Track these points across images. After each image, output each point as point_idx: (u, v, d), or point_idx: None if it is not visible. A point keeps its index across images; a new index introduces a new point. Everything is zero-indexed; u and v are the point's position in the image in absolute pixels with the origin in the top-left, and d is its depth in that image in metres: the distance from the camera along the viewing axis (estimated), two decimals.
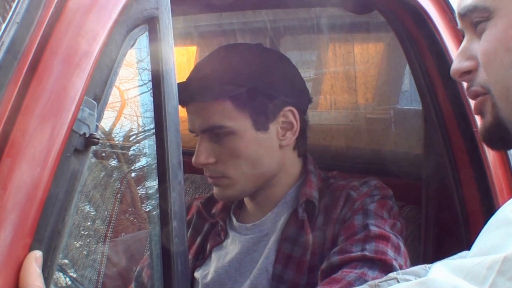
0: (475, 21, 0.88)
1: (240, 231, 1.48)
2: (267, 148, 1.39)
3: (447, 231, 1.57)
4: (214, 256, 1.48)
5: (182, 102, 1.38)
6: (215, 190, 1.45)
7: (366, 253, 1.26)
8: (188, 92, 1.36)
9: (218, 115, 1.36)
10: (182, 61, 2.33)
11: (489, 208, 1.47)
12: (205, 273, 1.46)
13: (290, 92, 1.42)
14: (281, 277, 1.36)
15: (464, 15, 0.89)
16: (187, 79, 1.46)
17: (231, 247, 1.47)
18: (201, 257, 1.51)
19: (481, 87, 0.87)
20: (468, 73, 0.88)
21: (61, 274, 1.15)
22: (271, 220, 1.44)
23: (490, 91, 0.86)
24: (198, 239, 1.54)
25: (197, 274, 1.48)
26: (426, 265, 0.97)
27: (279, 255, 1.38)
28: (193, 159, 1.40)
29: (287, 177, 1.45)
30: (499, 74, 0.84)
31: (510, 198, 0.77)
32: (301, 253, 1.36)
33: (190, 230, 1.56)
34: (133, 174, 1.85)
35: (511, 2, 0.83)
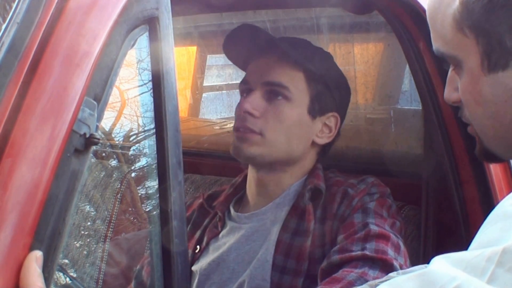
0: (450, 63, 0.92)
1: (238, 221, 1.48)
2: (303, 133, 1.45)
3: (447, 231, 1.56)
4: (211, 247, 1.49)
5: (260, 53, 1.48)
6: (236, 144, 1.44)
7: (367, 252, 1.26)
8: (279, 41, 1.47)
9: (288, 77, 1.43)
10: (182, 61, 2.33)
11: (489, 208, 1.45)
12: (203, 265, 1.46)
13: (344, 102, 1.53)
14: (284, 268, 1.37)
15: (439, 55, 0.93)
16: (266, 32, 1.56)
17: (229, 237, 1.47)
18: (198, 250, 1.51)
19: (466, 119, 0.93)
20: (458, 101, 0.93)
21: (61, 274, 1.15)
22: (272, 211, 1.45)
23: (473, 127, 0.93)
24: (197, 233, 1.54)
25: (195, 267, 1.48)
26: (426, 265, 0.97)
27: (279, 246, 1.39)
28: (239, 104, 1.45)
29: (299, 170, 1.48)
30: (475, 121, 0.91)
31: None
32: (302, 241, 1.36)
33: (189, 225, 1.57)
34: (133, 174, 1.85)
35: (469, 55, 0.86)
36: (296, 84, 1.44)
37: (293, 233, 1.39)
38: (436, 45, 0.91)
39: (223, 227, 1.51)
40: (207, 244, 1.50)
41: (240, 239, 1.45)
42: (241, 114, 1.43)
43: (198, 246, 1.52)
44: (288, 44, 1.52)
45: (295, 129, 1.43)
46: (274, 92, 1.43)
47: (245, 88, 1.48)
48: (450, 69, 0.94)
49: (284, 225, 1.41)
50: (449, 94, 0.94)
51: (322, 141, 1.48)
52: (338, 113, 1.50)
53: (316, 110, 1.45)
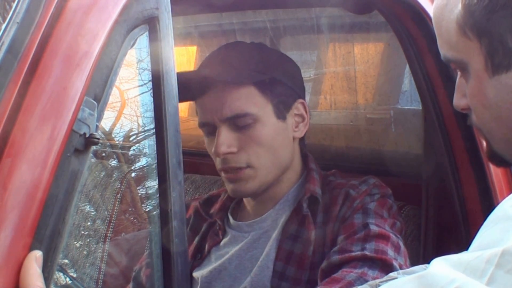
0: (457, 69, 0.93)
1: (239, 230, 1.48)
2: (284, 138, 1.41)
3: (447, 231, 1.57)
4: (213, 255, 1.48)
5: (200, 90, 1.38)
6: (232, 186, 1.41)
7: (366, 252, 1.26)
8: (212, 73, 1.37)
9: (243, 101, 1.36)
10: (182, 61, 2.33)
11: (489, 208, 1.46)
12: (204, 272, 1.46)
13: (300, 85, 1.48)
14: (283, 274, 1.36)
15: (446, 61, 0.94)
16: (202, 67, 1.44)
17: (231, 245, 1.46)
18: (199, 257, 1.51)
19: (475, 125, 0.94)
20: (467, 107, 0.94)
21: (61, 274, 1.15)
22: (272, 218, 1.44)
23: (481, 132, 0.94)
24: (196, 239, 1.53)
25: (196, 274, 1.48)
26: (426, 265, 0.97)
27: (280, 252, 1.38)
28: (214, 149, 1.37)
29: (292, 174, 1.46)
30: (483, 125, 0.92)
31: None
32: (303, 249, 1.36)
33: (187, 229, 1.56)
34: (133, 174, 1.85)
35: (473, 59, 0.86)
36: (255, 103, 1.37)
37: (294, 239, 1.38)
38: (443, 51, 0.92)
39: (223, 235, 1.50)
40: (209, 252, 1.49)
41: (242, 247, 1.44)
42: (220, 157, 1.38)
43: (199, 254, 1.51)
44: (219, 63, 1.42)
45: (275, 142, 1.39)
46: (239, 122, 1.36)
47: (208, 129, 1.42)
48: (458, 75, 0.94)
49: (284, 230, 1.40)
50: (458, 100, 0.95)
51: (300, 133, 1.45)
52: (301, 97, 1.45)
53: (282, 110, 1.40)
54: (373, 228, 1.30)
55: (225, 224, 1.51)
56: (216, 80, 1.36)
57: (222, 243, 1.49)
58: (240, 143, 1.37)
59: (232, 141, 1.37)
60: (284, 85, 1.41)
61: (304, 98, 1.47)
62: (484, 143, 0.97)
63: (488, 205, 1.47)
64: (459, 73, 0.94)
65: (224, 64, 1.41)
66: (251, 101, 1.37)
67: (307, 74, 2.07)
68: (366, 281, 1.15)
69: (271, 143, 1.38)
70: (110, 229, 1.61)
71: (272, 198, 1.45)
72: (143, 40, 0.96)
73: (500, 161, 0.95)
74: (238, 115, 1.36)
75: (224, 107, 1.36)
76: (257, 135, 1.37)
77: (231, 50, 1.47)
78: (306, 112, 1.45)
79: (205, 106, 1.40)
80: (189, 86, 1.36)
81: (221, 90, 1.36)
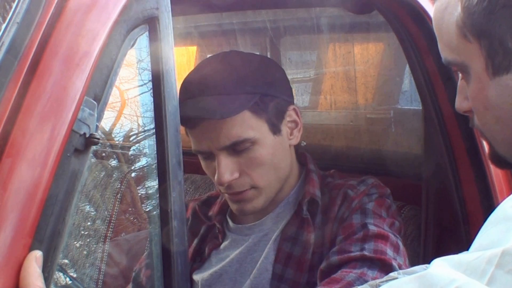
0: (459, 72, 0.93)
1: (239, 233, 1.47)
2: (282, 150, 1.39)
3: (447, 231, 1.57)
4: (213, 258, 1.48)
5: (193, 122, 1.34)
6: (237, 206, 1.39)
7: (365, 252, 1.26)
8: (204, 109, 1.32)
9: (239, 128, 1.32)
10: (182, 61, 2.33)
11: (489, 208, 1.47)
12: (205, 275, 1.46)
13: (288, 90, 1.45)
14: (282, 276, 1.36)
15: (447, 64, 0.94)
16: (192, 96, 1.36)
17: (231, 248, 1.46)
18: (199, 260, 1.50)
19: (476, 127, 0.94)
20: (469, 110, 0.94)
21: (61, 274, 1.15)
22: (272, 220, 1.44)
23: (483, 134, 0.93)
24: (195, 241, 1.53)
25: (196, 277, 1.48)
26: (427, 265, 0.97)
27: (279, 254, 1.38)
28: (217, 179, 1.34)
29: (292, 178, 1.45)
30: (485, 127, 0.91)
31: None
32: (302, 252, 1.36)
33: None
34: (133, 174, 1.85)
35: (474, 61, 0.86)
36: (251, 126, 1.33)
37: (293, 242, 1.38)
38: (444, 54, 0.92)
39: (223, 238, 1.49)
40: (209, 255, 1.49)
41: (243, 250, 1.44)
42: (225, 185, 1.35)
43: (199, 257, 1.51)
44: (208, 93, 1.34)
45: (275, 158, 1.37)
46: (238, 148, 1.33)
47: (204, 155, 1.38)
48: (460, 78, 0.94)
49: (284, 233, 1.40)
50: (460, 103, 0.95)
51: (296, 139, 1.43)
52: (291, 102, 1.43)
53: (277, 124, 1.37)
54: (372, 228, 1.30)
55: (225, 227, 1.51)
56: (213, 114, 1.32)
57: (222, 246, 1.48)
58: (241, 167, 1.35)
59: (233, 167, 1.34)
60: (274, 97, 1.37)
61: (293, 102, 1.44)
62: (486, 145, 0.97)
63: (488, 205, 1.47)
64: (460, 76, 0.94)
65: (216, 94, 1.34)
66: (247, 126, 1.33)
67: (307, 74, 2.07)
68: (366, 281, 1.15)
69: (271, 161, 1.36)
70: (110, 229, 1.61)
71: (273, 202, 1.44)
72: (143, 40, 0.96)
73: (502, 163, 0.95)
74: (236, 142, 1.33)
75: (221, 136, 1.33)
76: (257, 156, 1.34)
77: (212, 74, 1.39)
78: (298, 116, 1.42)
79: (200, 136, 1.37)
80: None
81: (215, 120, 1.32)
